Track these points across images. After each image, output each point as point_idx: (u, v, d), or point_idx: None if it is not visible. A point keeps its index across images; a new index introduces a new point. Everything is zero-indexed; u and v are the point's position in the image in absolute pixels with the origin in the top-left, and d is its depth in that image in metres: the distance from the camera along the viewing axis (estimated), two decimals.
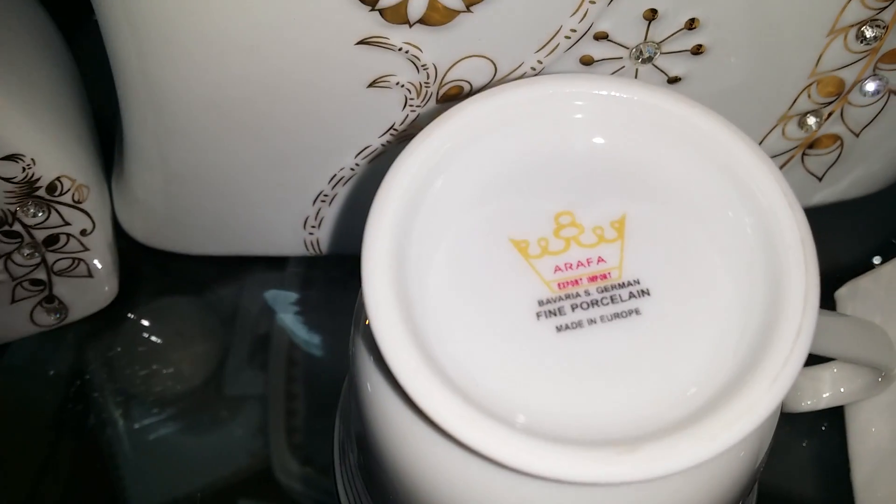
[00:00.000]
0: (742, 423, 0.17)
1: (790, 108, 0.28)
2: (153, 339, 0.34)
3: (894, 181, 0.33)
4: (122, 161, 0.31)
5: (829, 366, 0.29)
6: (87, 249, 0.31)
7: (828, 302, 0.33)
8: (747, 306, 0.19)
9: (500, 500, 0.19)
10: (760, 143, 0.29)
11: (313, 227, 0.31)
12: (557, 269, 0.20)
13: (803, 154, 0.31)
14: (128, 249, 0.33)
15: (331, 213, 0.31)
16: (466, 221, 0.20)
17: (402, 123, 0.27)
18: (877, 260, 0.35)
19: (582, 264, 0.20)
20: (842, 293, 0.32)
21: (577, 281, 0.20)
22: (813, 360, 0.26)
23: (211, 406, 0.33)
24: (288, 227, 0.31)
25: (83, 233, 0.30)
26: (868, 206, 0.34)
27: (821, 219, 0.32)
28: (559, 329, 0.19)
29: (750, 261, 0.19)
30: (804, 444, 0.33)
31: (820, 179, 0.32)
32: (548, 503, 0.19)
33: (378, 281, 0.18)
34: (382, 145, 0.28)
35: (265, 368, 0.34)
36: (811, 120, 0.29)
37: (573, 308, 0.19)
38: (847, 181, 0.32)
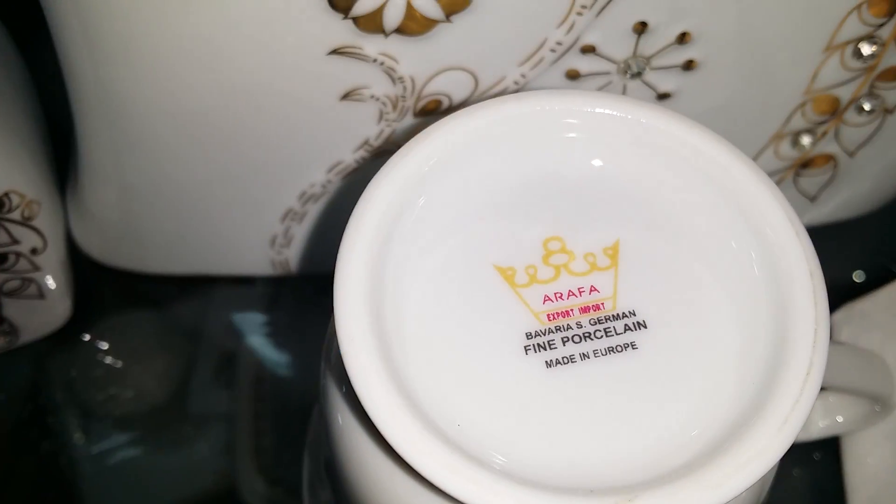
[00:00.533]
0: (750, 468, 0.16)
1: (784, 127, 0.27)
2: (112, 359, 0.33)
3: (887, 202, 0.32)
4: (76, 174, 0.29)
5: (824, 394, 0.28)
6: (38, 269, 0.29)
7: None
8: (752, 341, 0.17)
9: None
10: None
11: (282, 245, 0.30)
12: (547, 299, 0.18)
13: (796, 174, 0.29)
14: (85, 267, 0.31)
15: (301, 232, 0.29)
16: (448, 247, 0.18)
17: (377, 138, 0.26)
18: (858, 277, 0.34)
19: (573, 294, 0.18)
20: (837, 318, 0.30)
21: (568, 312, 0.18)
22: None
23: (175, 425, 0.32)
24: (254, 245, 0.30)
25: (34, 251, 0.28)
26: (850, 224, 0.33)
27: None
28: (549, 364, 0.18)
29: (754, 292, 0.18)
30: (794, 474, 0.32)
31: (812, 200, 0.31)
32: None
33: (351, 313, 0.16)
34: (356, 161, 0.26)
35: (231, 387, 0.33)
36: (805, 139, 0.28)
37: (564, 342, 0.18)
38: (839, 202, 0.31)
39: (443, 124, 0.18)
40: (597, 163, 0.19)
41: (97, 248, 0.31)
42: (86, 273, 0.32)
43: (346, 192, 0.28)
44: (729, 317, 0.18)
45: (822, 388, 0.27)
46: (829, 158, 0.29)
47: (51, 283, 0.30)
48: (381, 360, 0.16)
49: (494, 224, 0.19)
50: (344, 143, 0.26)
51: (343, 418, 0.19)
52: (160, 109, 0.24)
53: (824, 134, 0.28)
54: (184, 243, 0.30)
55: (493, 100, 0.19)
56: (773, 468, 0.20)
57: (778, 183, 0.30)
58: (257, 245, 0.30)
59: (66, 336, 0.32)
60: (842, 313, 0.30)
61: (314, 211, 0.28)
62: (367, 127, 0.25)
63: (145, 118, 0.25)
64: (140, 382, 0.32)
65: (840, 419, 0.28)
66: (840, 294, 0.32)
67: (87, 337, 0.33)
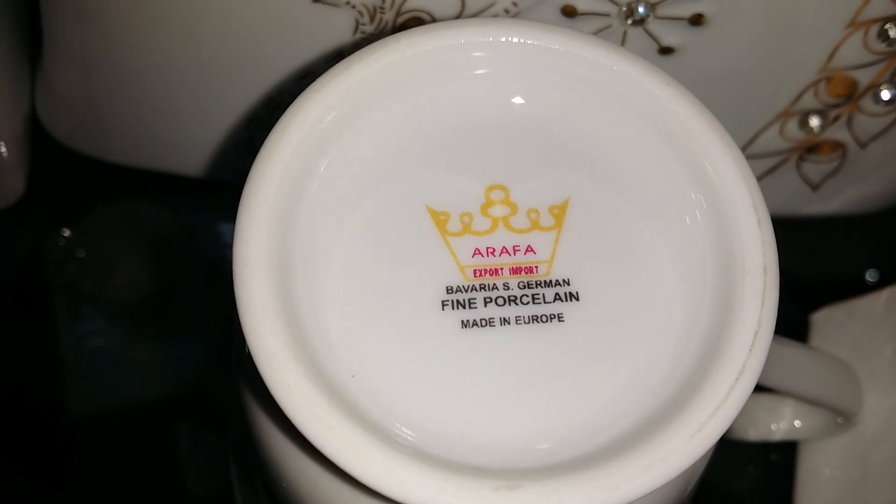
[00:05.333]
0: (651, 474, 0.14)
1: (793, 104, 0.25)
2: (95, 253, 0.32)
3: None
4: (42, 53, 0.27)
5: (783, 397, 0.26)
6: None
7: (802, 323, 0.30)
8: (688, 332, 0.16)
9: None
10: (755, 139, 0.26)
11: (245, 153, 0.28)
12: (477, 252, 0.17)
13: (800, 157, 0.27)
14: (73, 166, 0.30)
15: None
16: (379, 193, 0.17)
17: (351, 52, 0.24)
18: (872, 276, 0.32)
19: (507, 252, 0.17)
20: (818, 318, 0.28)
21: (496, 270, 0.16)
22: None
23: (158, 320, 0.32)
24: (218, 149, 0.28)
25: None
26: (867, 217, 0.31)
27: (814, 224, 0.30)
28: (465, 325, 0.16)
29: (701, 278, 0.16)
30: (749, 471, 0.31)
31: (815, 189, 0.28)
32: None
33: (253, 269, 0.15)
34: None
35: (211, 288, 0.32)
36: (814, 121, 0.26)
37: (486, 302, 0.16)
38: (845, 195, 0.29)
39: (346, 65, 0.17)
40: (525, 103, 0.17)
41: (60, 128, 0.30)
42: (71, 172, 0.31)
43: None
44: (670, 301, 0.16)
45: (779, 393, 0.25)
46: (838, 146, 0.27)
47: (3, 150, 0.28)
48: (276, 309, 0.15)
49: (426, 171, 0.17)
50: (316, 51, 0.24)
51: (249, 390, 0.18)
52: None
53: (836, 118, 0.26)
54: (146, 135, 0.29)
55: (385, 39, 0.17)
56: (699, 469, 0.18)
57: (780, 165, 0.27)
58: (221, 148, 0.28)
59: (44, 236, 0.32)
60: (822, 314, 0.28)
61: None
62: (341, 37, 0.24)
63: None
64: (123, 276, 0.32)
65: (798, 424, 0.26)
66: (847, 291, 0.30)
67: (67, 233, 0.32)
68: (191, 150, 0.29)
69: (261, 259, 0.15)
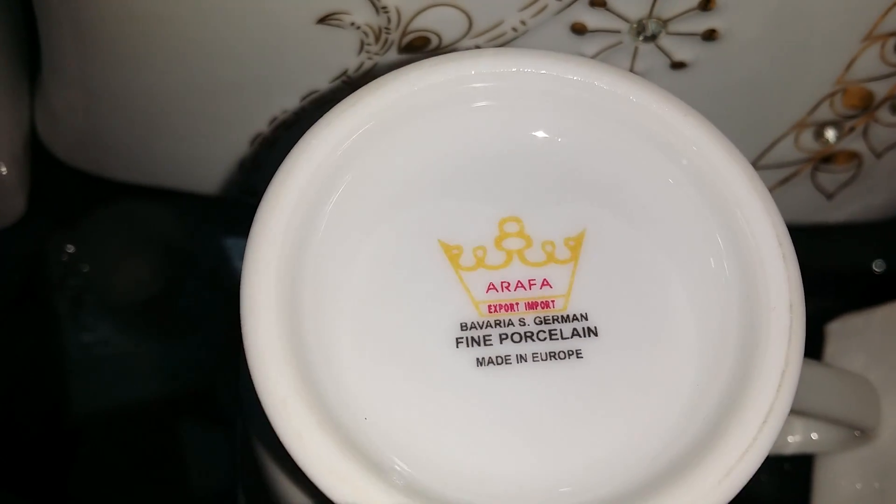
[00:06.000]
0: None
1: (808, 116, 0.25)
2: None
3: None
4: (42, 72, 0.27)
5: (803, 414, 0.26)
6: None
7: (816, 334, 0.29)
8: (712, 371, 0.15)
9: None
10: (769, 150, 0.26)
11: (250, 170, 0.28)
12: (491, 287, 0.16)
13: (815, 168, 0.27)
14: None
15: (271, 159, 0.27)
16: (385, 224, 0.16)
17: (356, 71, 0.23)
18: (879, 266, 0.31)
19: (522, 286, 0.16)
20: (833, 328, 0.28)
21: (512, 305, 0.16)
22: None
23: (163, 322, 0.32)
24: (221, 166, 0.28)
25: None
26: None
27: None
28: (480, 362, 0.16)
29: (723, 316, 0.16)
30: (762, 480, 0.30)
31: (829, 198, 0.28)
32: None
33: (260, 300, 0.14)
34: (333, 91, 0.24)
35: (216, 287, 0.32)
36: (830, 132, 0.25)
37: (502, 339, 0.16)
38: (859, 204, 0.28)
39: (348, 105, 0.16)
40: (540, 134, 0.17)
41: (60, 146, 0.29)
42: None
43: None
44: (691, 339, 0.16)
45: (797, 413, 0.25)
46: (854, 156, 0.26)
47: (3, 169, 0.28)
48: (286, 355, 0.14)
49: (440, 202, 0.17)
50: (320, 70, 0.24)
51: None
52: (125, 11, 0.22)
53: (852, 129, 0.25)
54: (147, 154, 0.28)
55: (411, 65, 0.16)
56: None
57: (794, 175, 0.27)
58: (224, 166, 0.28)
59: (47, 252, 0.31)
60: (837, 324, 0.28)
61: (287, 138, 0.26)
62: (346, 57, 0.23)
63: (108, 20, 0.23)
64: (127, 280, 0.32)
65: (815, 437, 0.26)
66: (856, 284, 0.30)
67: (70, 249, 0.32)
68: (193, 167, 0.29)
69: (269, 306, 0.14)
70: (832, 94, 0.24)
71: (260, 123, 0.26)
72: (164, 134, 0.27)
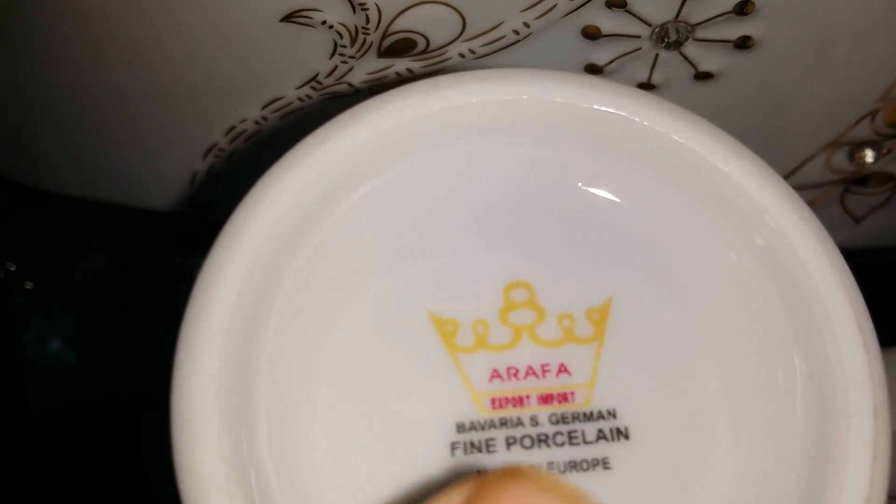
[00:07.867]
0: None
1: (845, 134, 0.22)
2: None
3: None
4: None
5: None
6: None
7: None
8: (774, 489, 0.12)
9: None
10: (796, 171, 0.23)
11: (203, 184, 0.24)
12: (495, 374, 0.13)
13: (845, 189, 0.24)
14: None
15: (227, 173, 0.24)
16: (362, 294, 0.13)
17: (328, 76, 0.20)
18: None
19: (534, 373, 0.13)
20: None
21: (521, 399, 0.13)
22: None
23: (121, 316, 0.30)
24: (172, 180, 0.25)
25: None
26: None
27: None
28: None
29: (788, 419, 0.12)
30: None
31: (857, 222, 0.25)
32: None
33: (204, 459, 0.11)
34: (300, 99, 0.21)
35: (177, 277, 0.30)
36: (868, 153, 0.22)
37: (508, 444, 0.13)
38: (890, 228, 0.25)
39: (315, 143, 0.13)
40: (560, 178, 0.14)
41: None
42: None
43: (284, 134, 0.22)
44: (745, 444, 0.13)
45: None
46: (889, 178, 0.24)
47: None
48: (229, 483, 0.11)
49: (435, 261, 0.13)
50: (285, 75, 0.21)
51: None
52: (57, 6, 0.20)
53: (890, 150, 0.22)
54: (90, 166, 0.26)
55: (391, 93, 0.13)
56: None
57: (820, 198, 0.24)
58: (175, 181, 0.25)
59: None
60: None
61: (244, 151, 0.23)
62: (315, 60, 0.20)
63: (40, 16, 0.20)
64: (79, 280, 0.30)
65: None
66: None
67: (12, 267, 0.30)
68: (141, 181, 0.26)
69: (210, 413, 0.11)
70: (874, 112, 0.22)
71: (215, 134, 0.23)
72: (105, 144, 0.25)
